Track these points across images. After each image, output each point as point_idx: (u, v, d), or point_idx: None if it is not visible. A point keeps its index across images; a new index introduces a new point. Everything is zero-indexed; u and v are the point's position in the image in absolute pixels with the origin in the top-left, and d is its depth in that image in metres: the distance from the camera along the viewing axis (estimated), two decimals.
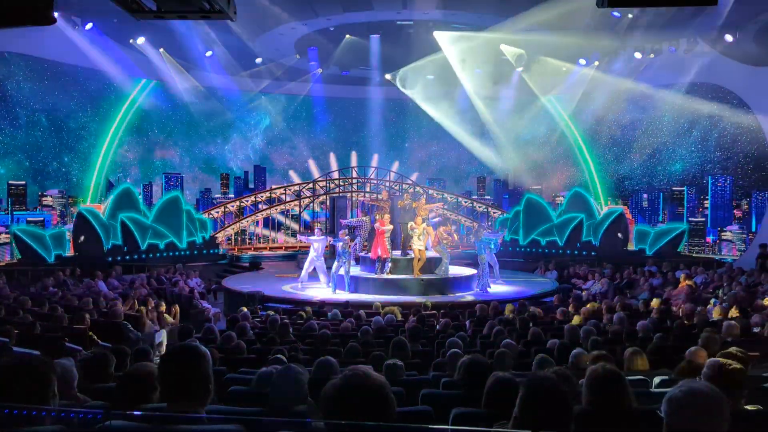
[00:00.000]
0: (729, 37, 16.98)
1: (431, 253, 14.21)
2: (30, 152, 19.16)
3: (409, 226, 14.26)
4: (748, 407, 3.03)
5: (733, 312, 8.90)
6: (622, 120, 22.28)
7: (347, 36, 21.26)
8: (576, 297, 12.23)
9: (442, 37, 20.35)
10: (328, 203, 21.87)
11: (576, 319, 8.98)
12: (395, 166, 24.68)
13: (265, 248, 21.88)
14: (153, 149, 22.62)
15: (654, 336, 6.61)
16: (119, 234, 17.06)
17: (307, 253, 15.13)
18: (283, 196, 22.47)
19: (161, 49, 19.98)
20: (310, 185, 22.82)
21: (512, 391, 2.54)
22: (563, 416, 2.22)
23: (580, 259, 18.36)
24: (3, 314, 8.50)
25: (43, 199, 19.40)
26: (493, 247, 14.58)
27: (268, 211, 22.16)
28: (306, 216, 22.67)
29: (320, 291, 13.80)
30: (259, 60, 21.68)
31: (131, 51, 19.62)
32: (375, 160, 24.78)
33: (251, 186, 24.29)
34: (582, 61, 20.85)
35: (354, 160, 24.76)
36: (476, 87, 22.30)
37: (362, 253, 15.14)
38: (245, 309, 9.74)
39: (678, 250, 18.67)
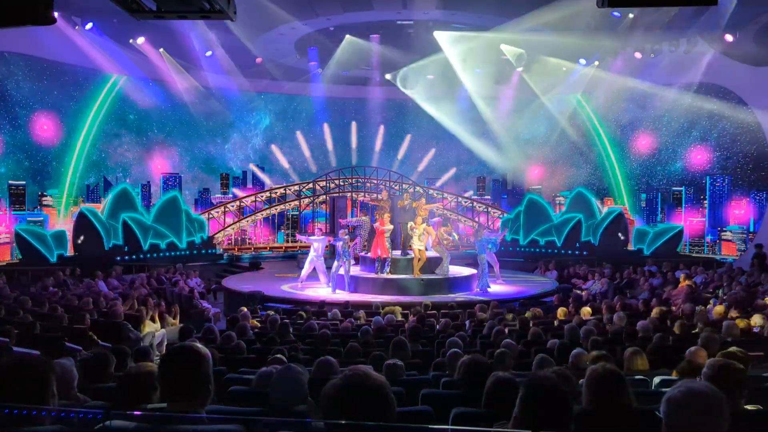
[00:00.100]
0: (729, 37, 17.00)
1: (431, 253, 14.21)
2: (30, 152, 19.14)
3: (409, 226, 14.27)
4: (748, 407, 3.03)
5: (733, 313, 8.90)
6: (622, 120, 22.29)
7: (347, 36, 21.27)
8: (576, 297, 12.25)
9: (442, 37, 20.36)
10: (328, 203, 21.90)
11: (576, 320, 8.97)
12: (395, 165, 24.67)
13: (265, 248, 21.89)
14: (152, 149, 22.58)
15: (654, 336, 6.61)
16: (120, 234, 17.08)
17: (307, 253, 15.14)
18: (283, 196, 22.48)
19: (161, 49, 20.00)
20: (310, 185, 22.81)
21: (512, 391, 2.54)
22: (563, 416, 2.22)
23: (577, 258, 18.40)
24: (3, 314, 8.50)
25: (43, 199, 19.36)
26: (491, 247, 14.59)
27: (268, 211, 22.16)
28: (306, 215, 22.68)
29: (320, 291, 13.81)
30: (259, 60, 21.67)
31: (131, 51, 19.64)
32: (375, 160, 24.77)
33: (251, 186, 24.26)
34: (582, 61, 20.87)
35: (354, 160, 24.75)
36: (476, 87, 22.32)
37: (362, 253, 15.14)
38: (245, 309, 9.73)
39: (677, 249, 18.71)
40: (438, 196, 23.20)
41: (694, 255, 19.37)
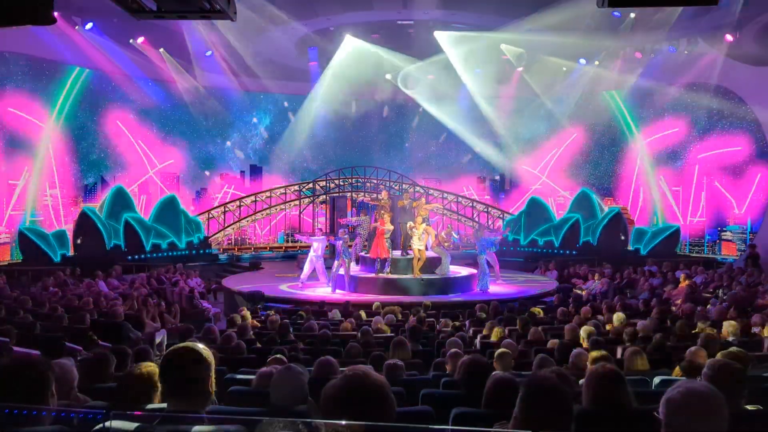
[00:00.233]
0: (729, 37, 17.01)
1: (431, 253, 14.21)
2: None
3: (408, 226, 14.26)
4: (748, 407, 3.03)
5: (733, 313, 8.90)
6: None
7: (347, 36, 21.26)
8: (576, 297, 12.25)
9: (442, 37, 20.37)
10: (328, 203, 21.90)
11: (576, 320, 8.97)
12: (395, 166, 24.66)
13: (265, 248, 21.89)
14: (151, 149, 22.56)
15: (654, 336, 6.61)
16: (121, 234, 17.08)
17: (307, 253, 15.14)
18: (283, 196, 22.47)
19: (161, 49, 19.99)
20: (310, 185, 22.81)
21: (512, 391, 2.54)
22: (563, 416, 2.22)
23: (576, 258, 18.41)
24: (3, 314, 8.49)
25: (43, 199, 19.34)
26: (492, 247, 14.59)
27: (267, 211, 22.16)
28: (306, 215, 22.68)
29: (320, 291, 13.81)
30: (259, 60, 21.66)
31: (132, 51, 19.62)
32: (375, 160, 24.76)
33: (251, 186, 24.25)
34: (582, 61, 20.87)
35: (354, 160, 24.74)
36: (476, 86, 22.31)
37: (362, 253, 15.14)
38: (245, 309, 9.73)
39: (676, 249, 18.71)
40: (438, 196, 23.20)
41: (693, 255, 19.36)
